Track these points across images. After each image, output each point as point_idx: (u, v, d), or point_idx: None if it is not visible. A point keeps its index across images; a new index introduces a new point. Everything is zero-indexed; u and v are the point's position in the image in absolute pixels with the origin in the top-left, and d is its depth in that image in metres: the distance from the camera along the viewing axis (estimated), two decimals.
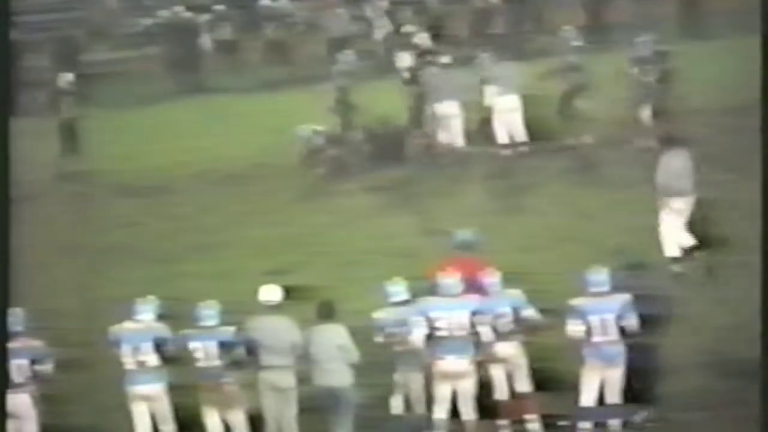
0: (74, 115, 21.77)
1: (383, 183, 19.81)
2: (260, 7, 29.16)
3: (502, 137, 20.24)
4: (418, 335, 12.57)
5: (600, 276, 12.67)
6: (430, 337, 12.59)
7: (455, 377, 12.60)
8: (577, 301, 12.62)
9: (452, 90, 20.54)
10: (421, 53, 21.74)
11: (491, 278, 12.92)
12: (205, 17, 28.44)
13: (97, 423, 13.35)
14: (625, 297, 12.62)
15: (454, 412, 12.74)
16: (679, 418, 12.65)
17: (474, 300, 12.69)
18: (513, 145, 20.20)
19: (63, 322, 14.79)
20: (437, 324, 12.56)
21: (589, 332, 12.53)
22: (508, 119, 20.20)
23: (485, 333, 12.61)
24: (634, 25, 26.86)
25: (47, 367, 12.61)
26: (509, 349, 12.81)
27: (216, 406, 12.63)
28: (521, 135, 20.25)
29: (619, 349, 12.57)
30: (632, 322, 12.53)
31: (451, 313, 12.59)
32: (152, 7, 29.81)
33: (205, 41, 27.74)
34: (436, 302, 12.65)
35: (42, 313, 13.17)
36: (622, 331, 12.54)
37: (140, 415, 12.60)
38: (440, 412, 12.68)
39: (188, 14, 28.52)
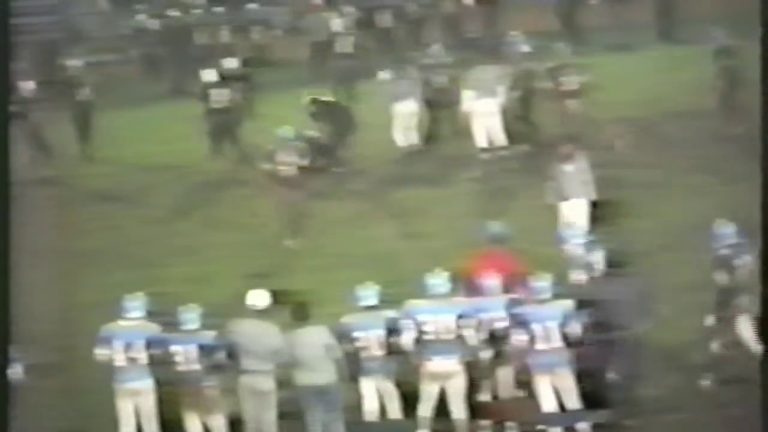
0: (41, 121, 21.67)
1: (361, 188, 19.81)
2: (246, 10, 29.20)
3: (481, 141, 20.26)
4: (407, 338, 12.56)
5: (543, 283, 12.64)
6: (418, 341, 12.56)
7: (444, 377, 12.59)
8: (519, 310, 12.60)
9: (413, 91, 20.70)
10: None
11: (490, 280, 12.91)
12: (186, 20, 28.44)
13: (75, 427, 13.31)
14: (566, 303, 12.53)
15: (441, 413, 12.74)
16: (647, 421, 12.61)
17: (461, 303, 12.68)
18: (492, 149, 20.22)
19: (40, 326, 14.72)
20: (425, 328, 12.55)
21: (532, 341, 12.50)
22: (487, 123, 20.21)
23: (470, 336, 12.61)
24: (610, 28, 27.19)
25: (17, 371, 12.49)
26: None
27: (196, 410, 12.60)
28: (501, 139, 20.27)
29: (563, 356, 12.48)
30: (575, 328, 12.47)
31: (437, 317, 12.56)
32: (134, 11, 29.76)
33: (187, 45, 27.68)
34: (423, 305, 12.61)
35: (19, 318, 13.08)
36: (566, 338, 12.47)
37: (126, 412, 12.57)
38: (425, 411, 12.66)
39: (170, 18, 28.51)
